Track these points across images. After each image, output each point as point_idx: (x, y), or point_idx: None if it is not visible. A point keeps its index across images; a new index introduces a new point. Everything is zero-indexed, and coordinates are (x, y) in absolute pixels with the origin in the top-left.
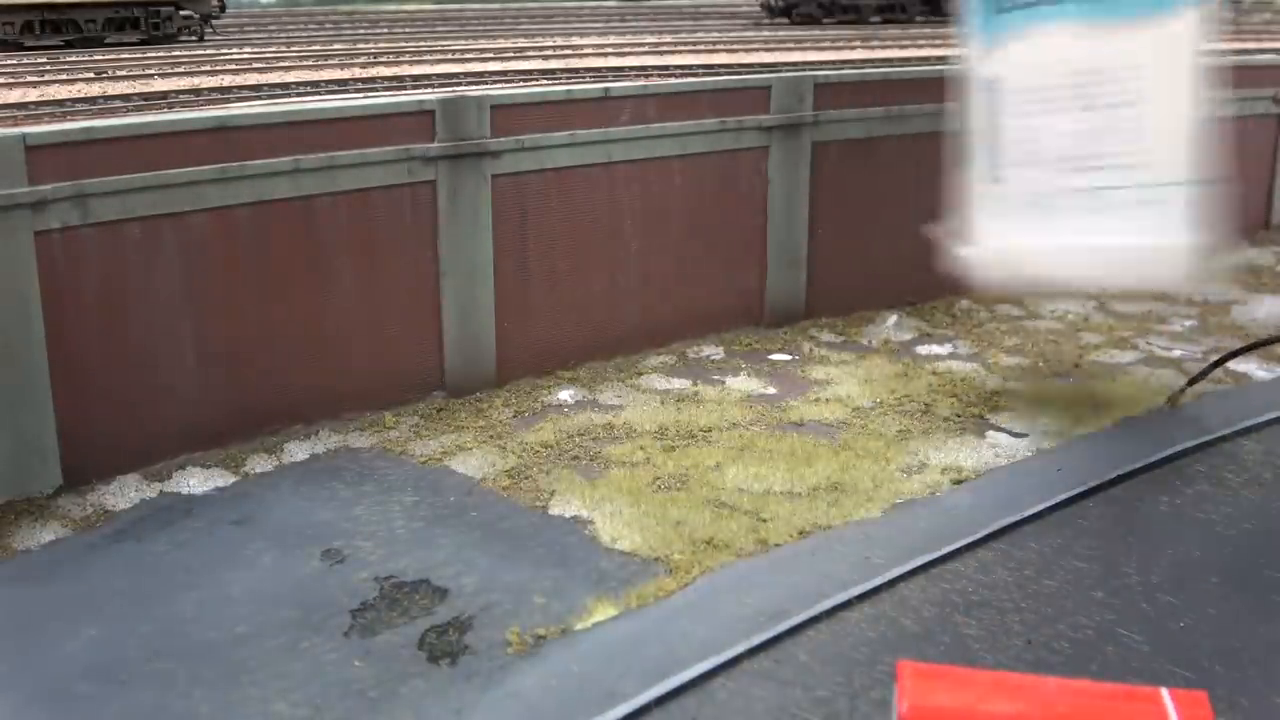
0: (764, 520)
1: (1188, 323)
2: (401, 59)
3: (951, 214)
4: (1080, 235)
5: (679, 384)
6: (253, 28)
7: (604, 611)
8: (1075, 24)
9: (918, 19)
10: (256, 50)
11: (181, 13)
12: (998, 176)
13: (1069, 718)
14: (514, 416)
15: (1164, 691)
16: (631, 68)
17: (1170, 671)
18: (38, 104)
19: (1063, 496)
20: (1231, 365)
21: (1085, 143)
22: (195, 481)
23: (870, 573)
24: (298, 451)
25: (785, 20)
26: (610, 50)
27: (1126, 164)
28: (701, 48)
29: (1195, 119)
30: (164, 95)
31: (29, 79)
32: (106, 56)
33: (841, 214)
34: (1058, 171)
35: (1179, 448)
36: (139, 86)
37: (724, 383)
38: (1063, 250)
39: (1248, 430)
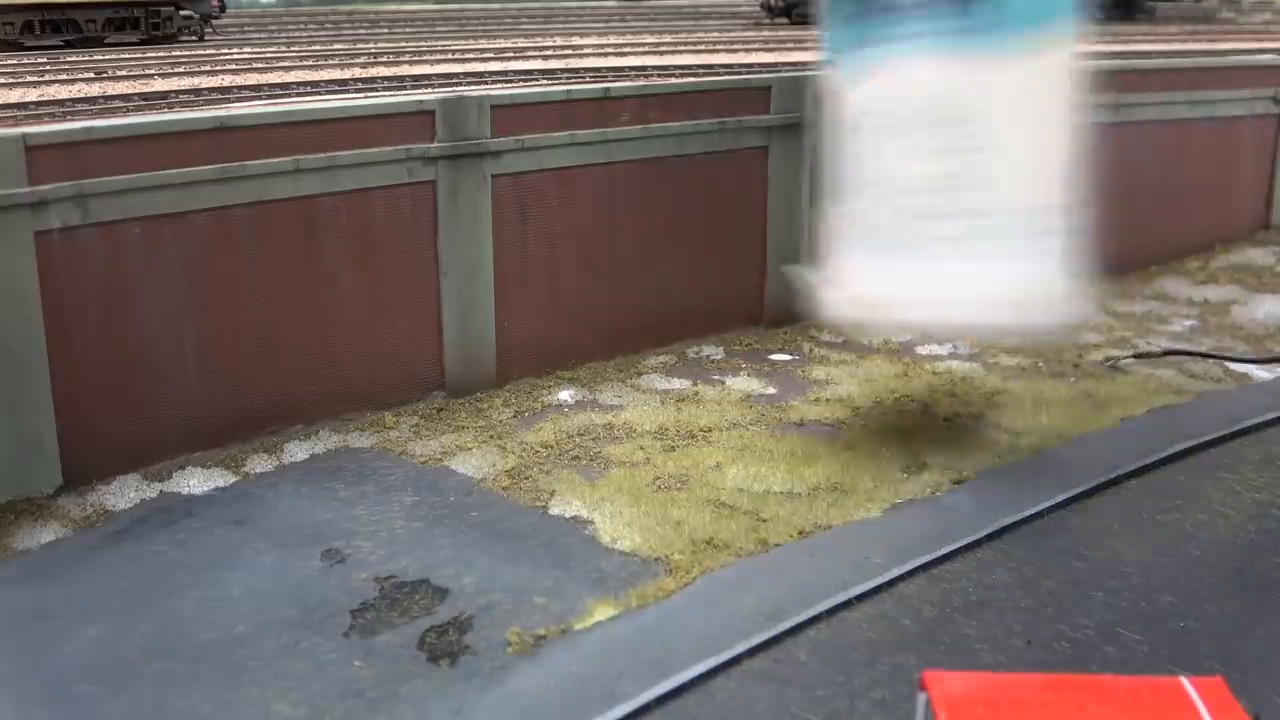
0: (764, 520)
1: (1188, 323)
2: (401, 59)
3: (810, 252)
4: (946, 278)
5: (679, 384)
6: (253, 28)
7: (604, 611)
8: (939, 56)
9: None
10: (256, 50)
11: (181, 13)
12: (858, 212)
13: (1102, 715)
14: (514, 416)
15: (1184, 680)
16: (631, 68)
17: (1171, 671)
18: (38, 104)
19: (1063, 496)
20: (1232, 366)
21: (952, 180)
22: (195, 481)
23: (870, 573)
24: (298, 451)
25: (785, 20)
26: (610, 50)
27: (996, 202)
28: (701, 48)
29: (1069, 153)
30: (164, 95)
31: (29, 79)
32: (106, 56)
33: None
34: (922, 210)
35: (1179, 447)
36: (139, 86)
37: (724, 383)
38: (927, 295)
39: (1248, 430)
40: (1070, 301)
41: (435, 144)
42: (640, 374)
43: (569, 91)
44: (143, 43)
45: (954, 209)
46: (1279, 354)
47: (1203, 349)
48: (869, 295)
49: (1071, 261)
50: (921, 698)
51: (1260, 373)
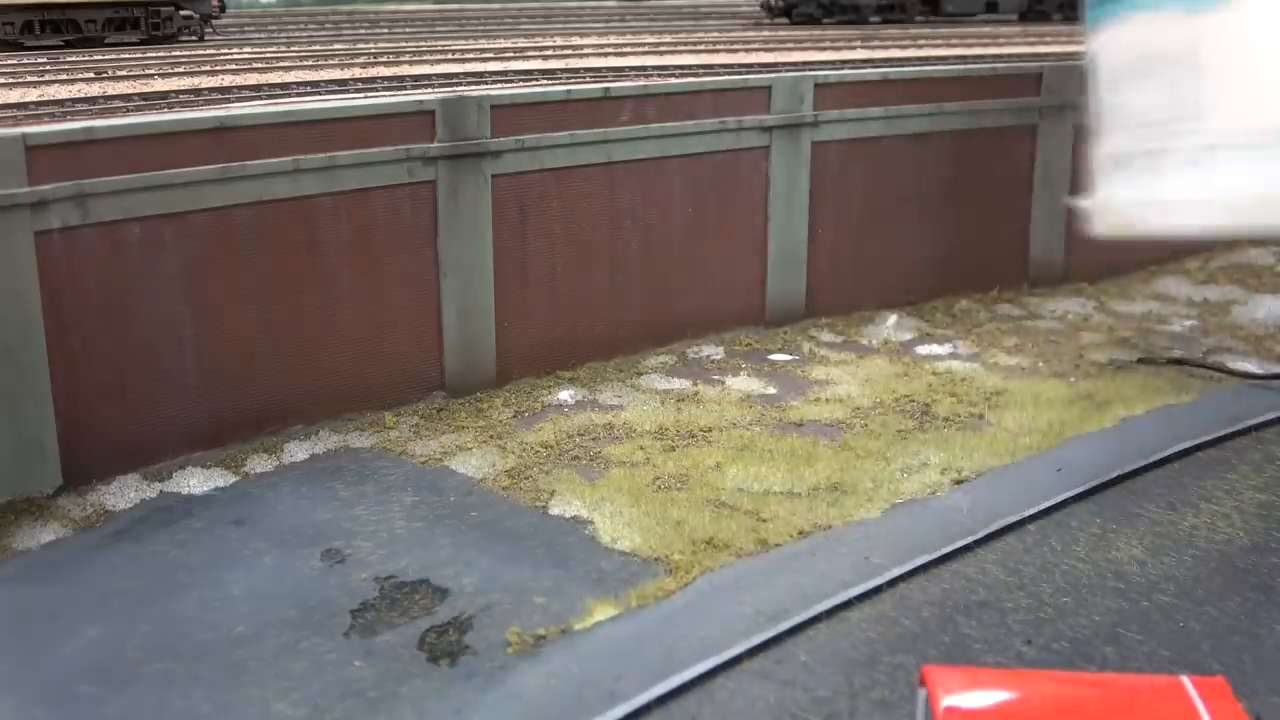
0: (764, 520)
1: (1188, 323)
2: (401, 59)
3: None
4: (1194, 189)
5: (679, 384)
6: (253, 28)
7: (604, 611)
8: (1173, 10)
9: (917, 19)
10: (256, 50)
11: (181, 13)
12: (1112, 147)
13: (1102, 712)
14: (514, 416)
15: (1185, 679)
16: (631, 68)
17: (1171, 671)
18: (38, 104)
19: (1063, 496)
20: (1232, 364)
21: (1192, 106)
22: (195, 481)
23: (870, 573)
24: (298, 451)
25: (785, 20)
26: (610, 50)
27: (1234, 121)
28: (701, 48)
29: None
30: (164, 95)
31: (29, 79)
32: (106, 56)
33: (841, 214)
34: (1169, 132)
35: (1179, 447)
36: (139, 86)
37: (724, 383)
38: (1180, 202)
39: (1248, 430)
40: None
41: (435, 144)
42: (640, 374)
43: (569, 91)
44: (143, 43)
45: (1188, 130)
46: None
47: (1209, 361)
48: (1127, 212)
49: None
50: (921, 693)
51: (1259, 372)
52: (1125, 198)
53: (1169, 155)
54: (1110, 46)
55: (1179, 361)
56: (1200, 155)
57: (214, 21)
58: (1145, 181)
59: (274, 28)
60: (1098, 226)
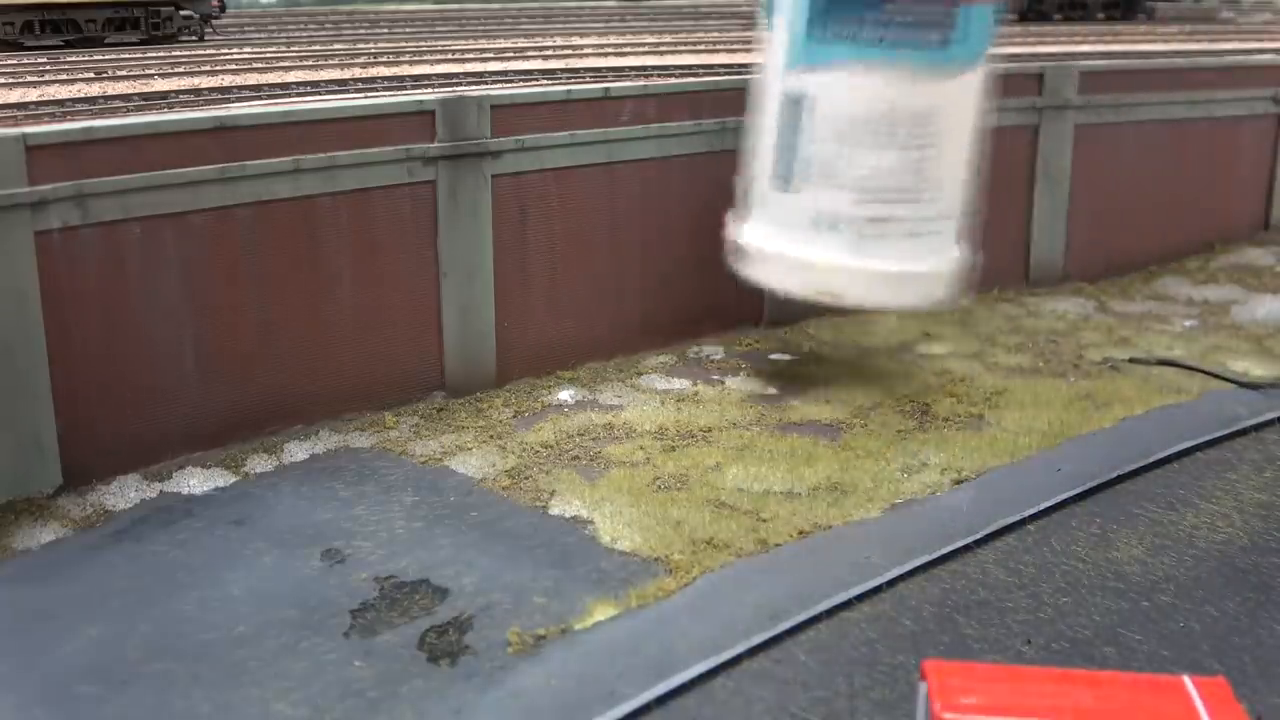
0: (764, 520)
1: (1188, 323)
2: (401, 59)
3: (735, 208)
4: (857, 258)
5: (679, 384)
6: (253, 28)
7: (604, 611)
8: (889, 69)
9: None
10: (256, 50)
11: (181, 13)
12: (790, 187)
13: (1101, 710)
14: (514, 416)
15: (1186, 679)
16: (631, 68)
17: (1171, 671)
18: (38, 104)
19: (1063, 496)
20: (1234, 365)
21: (888, 177)
22: (195, 481)
23: (870, 573)
24: (298, 451)
25: None
26: (610, 50)
27: (918, 198)
28: (701, 48)
29: (972, 159)
30: (164, 95)
31: (29, 79)
32: (106, 56)
33: None
34: (857, 199)
35: (1179, 447)
36: (139, 86)
37: (724, 383)
38: (838, 268)
39: (1248, 430)
40: (960, 280)
41: (435, 144)
42: (640, 374)
43: (569, 91)
44: (143, 43)
45: (894, 196)
46: (1270, 380)
47: (1196, 364)
48: (785, 261)
49: (968, 247)
50: (922, 687)
51: (1258, 371)
52: (833, 263)
53: (892, 224)
54: (836, 90)
55: (1168, 364)
56: (922, 229)
57: (214, 21)
58: (862, 248)
59: (274, 28)
60: (780, 280)
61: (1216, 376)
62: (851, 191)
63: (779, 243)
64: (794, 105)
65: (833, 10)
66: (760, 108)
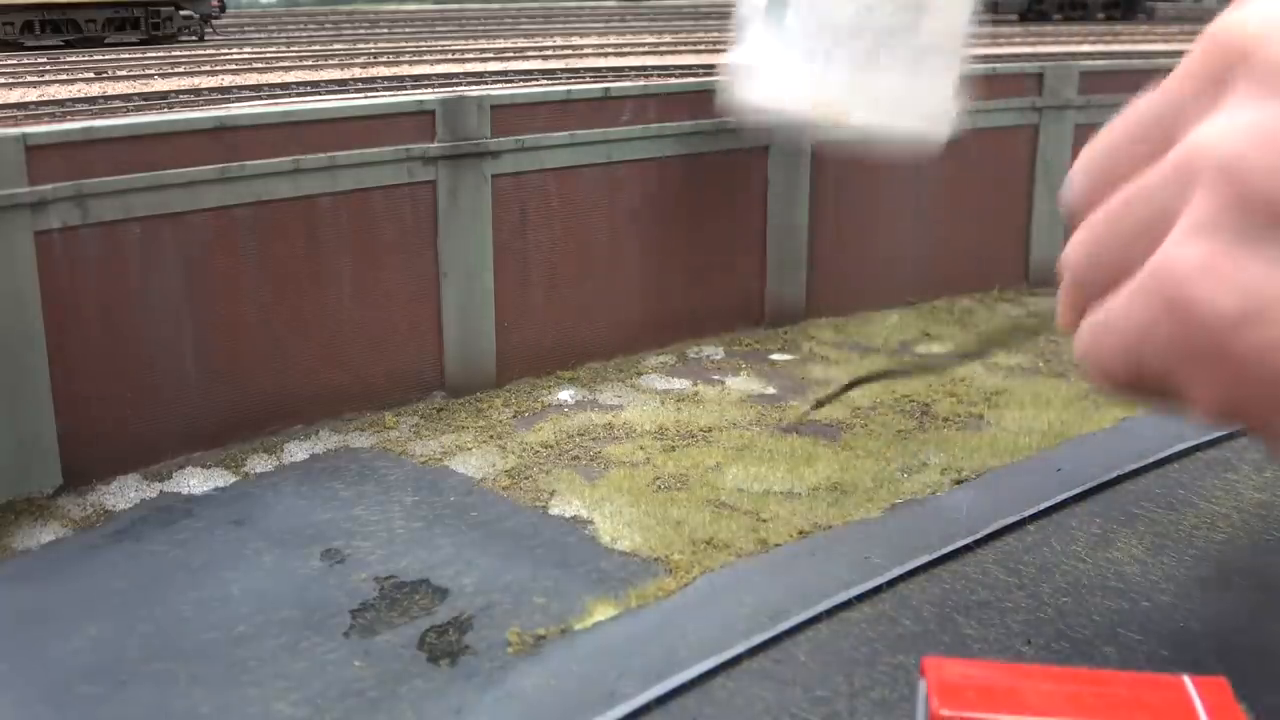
0: (764, 520)
1: None
2: (401, 59)
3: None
4: (861, 74)
5: (679, 384)
6: (253, 28)
7: (604, 611)
8: None
9: None
10: (256, 50)
11: (181, 13)
12: (785, 20)
13: (1099, 708)
14: (514, 416)
15: (1186, 679)
16: (631, 68)
17: (1171, 670)
18: (38, 104)
19: (1063, 496)
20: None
21: (875, 11)
22: (195, 481)
23: (870, 573)
24: (298, 451)
25: None
26: (610, 50)
27: (919, 20)
28: (701, 48)
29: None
30: (164, 95)
31: (29, 79)
32: (106, 56)
33: (842, 214)
34: (861, 12)
35: (1179, 447)
36: (139, 86)
37: (724, 383)
38: (841, 84)
39: (1247, 430)
40: (954, 115)
41: (435, 144)
42: (640, 374)
43: (569, 91)
44: (143, 43)
45: (886, 25)
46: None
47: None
48: (781, 77)
49: (959, 83)
50: (922, 684)
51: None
52: (837, 78)
53: (895, 46)
54: None
55: (856, 384)
56: (923, 55)
57: (214, 21)
58: (865, 66)
59: (274, 28)
60: (782, 98)
61: (895, 375)
62: (854, 5)
63: (781, 61)
64: None
65: None
66: None
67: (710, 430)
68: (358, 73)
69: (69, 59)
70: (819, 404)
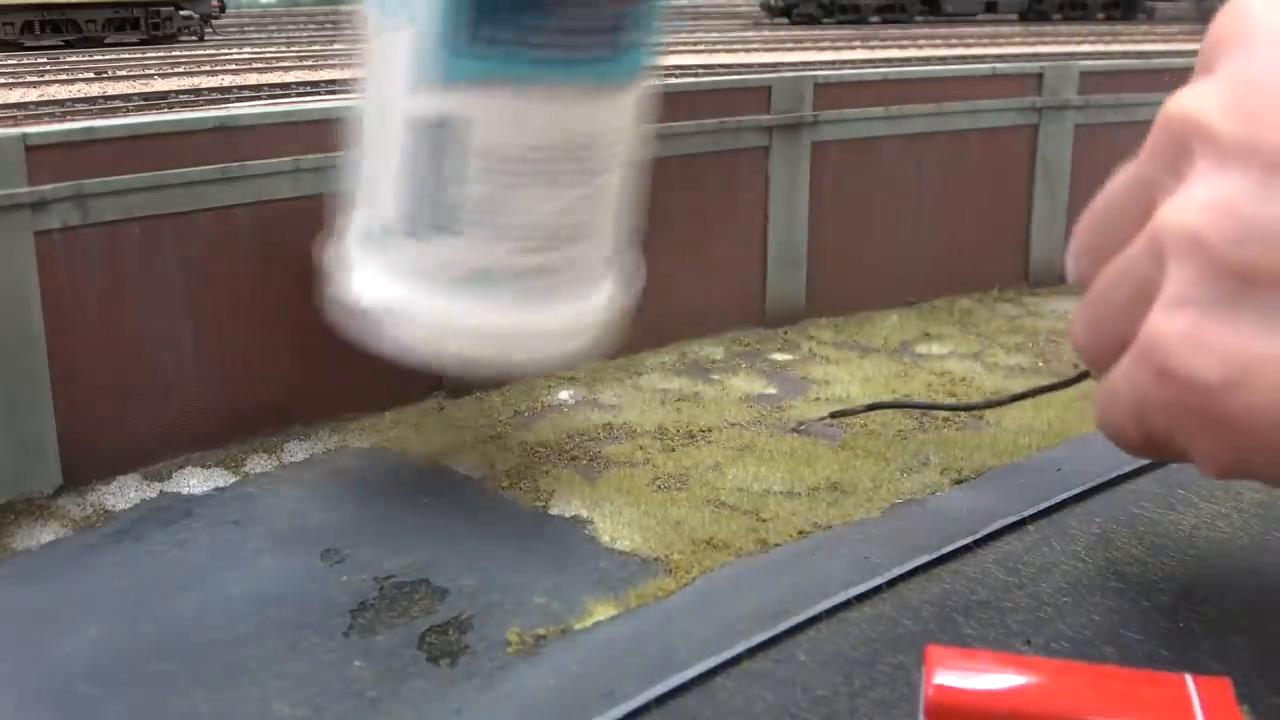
0: (764, 520)
1: None
2: None
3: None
4: (522, 313)
5: (679, 384)
6: (253, 28)
7: (604, 611)
8: (550, 86)
9: (917, 19)
10: (256, 50)
11: (181, 13)
12: (425, 233)
13: (1092, 701)
14: (514, 416)
15: (1188, 677)
16: None
17: (1171, 670)
18: (38, 104)
19: (1063, 496)
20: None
21: (560, 216)
22: (195, 481)
23: (870, 573)
24: (298, 451)
25: (785, 20)
26: None
27: (591, 237)
28: (701, 48)
29: (631, 186)
30: (164, 95)
31: (29, 79)
32: (106, 56)
33: (842, 214)
34: (525, 246)
35: None
36: (139, 86)
37: (724, 383)
38: (497, 326)
39: None
40: (618, 324)
41: None
42: (640, 374)
43: None
44: (143, 43)
45: (570, 236)
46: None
47: (916, 401)
48: (460, 329)
49: (625, 287)
50: (924, 670)
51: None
52: (492, 321)
53: (525, 275)
54: (497, 116)
55: (878, 406)
56: (592, 273)
57: (214, 21)
58: (526, 301)
59: (274, 28)
60: (417, 343)
61: (938, 408)
62: (515, 239)
63: (414, 299)
64: (433, 133)
65: (485, 13)
66: (368, 132)
67: (710, 430)
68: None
69: (69, 59)
70: (835, 415)
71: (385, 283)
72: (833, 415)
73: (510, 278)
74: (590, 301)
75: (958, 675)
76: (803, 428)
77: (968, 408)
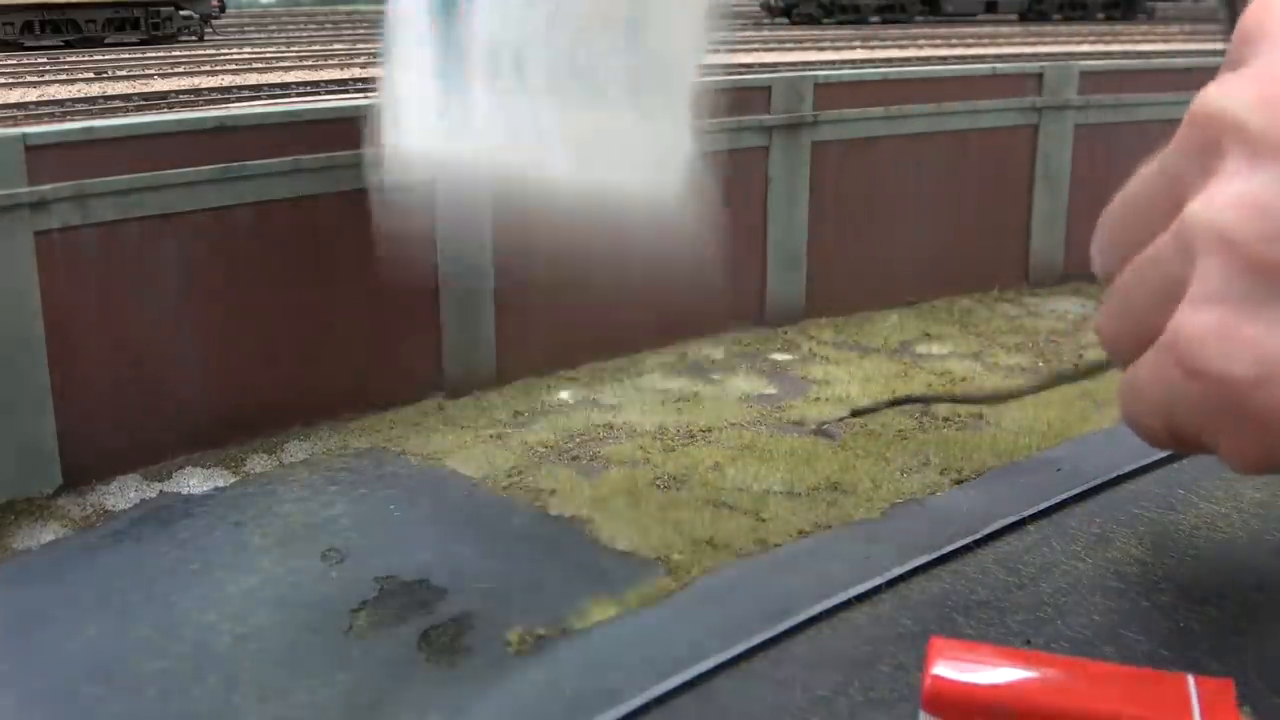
0: (764, 520)
1: None
2: None
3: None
4: (549, 115)
5: (679, 384)
6: (253, 28)
7: (604, 611)
8: None
9: (917, 19)
10: (256, 50)
11: (181, 13)
12: (450, 36)
13: (1090, 696)
14: (514, 416)
15: (1189, 678)
16: None
17: (1171, 670)
18: (38, 104)
19: (1063, 496)
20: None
21: (574, 24)
22: (195, 481)
23: (870, 573)
24: (298, 451)
25: (785, 20)
26: None
27: (648, 49)
28: None
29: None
30: (164, 95)
31: (29, 79)
32: (106, 56)
33: (842, 214)
34: (538, 51)
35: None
36: (139, 86)
37: (724, 383)
38: (522, 126)
39: None
40: (691, 165)
41: None
42: (640, 374)
43: None
44: (143, 43)
45: (608, 50)
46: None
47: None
48: (471, 140)
49: (696, 125)
50: (925, 663)
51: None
52: (481, 143)
53: (560, 110)
54: None
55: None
56: (617, 87)
57: (214, 21)
58: (513, 131)
59: (274, 28)
60: (407, 170)
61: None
62: (546, 14)
63: (445, 95)
64: None
65: None
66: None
67: (710, 430)
68: (358, 73)
69: (69, 59)
70: (856, 414)
71: (411, 83)
72: (853, 413)
73: (525, 71)
74: (639, 127)
75: (957, 667)
76: (825, 427)
77: (989, 399)
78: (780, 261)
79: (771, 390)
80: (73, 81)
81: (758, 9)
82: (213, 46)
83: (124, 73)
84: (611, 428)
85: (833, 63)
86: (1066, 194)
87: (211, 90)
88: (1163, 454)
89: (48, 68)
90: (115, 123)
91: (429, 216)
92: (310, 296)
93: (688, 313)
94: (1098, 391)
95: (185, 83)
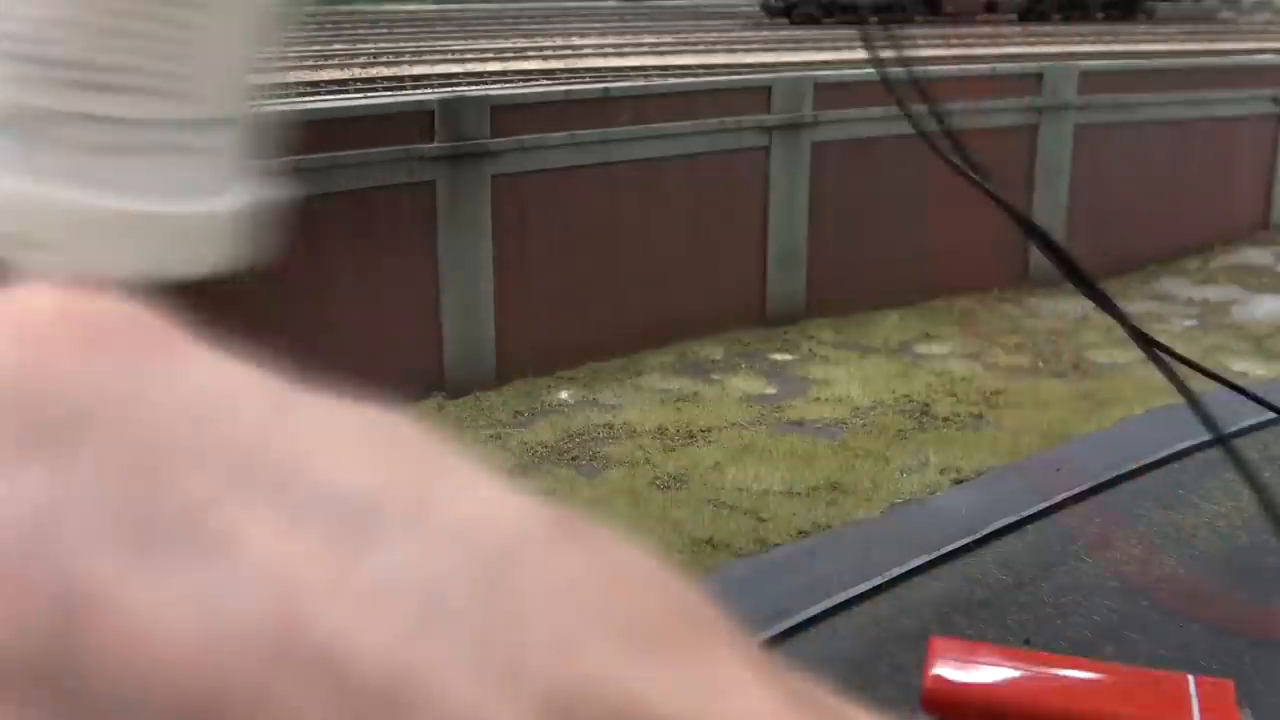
0: (763, 520)
1: (1188, 323)
2: (401, 59)
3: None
4: (84, 186)
5: (679, 384)
6: None
7: None
8: None
9: (916, 19)
10: None
11: None
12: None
13: (1087, 697)
14: (514, 416)
15: (1190, 678)
16: (631, 68)
17: (1171, 670)
18: None
19: (1063, 496)
20: (1233, 365)
21: (100, 43)
22: None
23: (870, 572)
24: None
25: (785, 20)
26: (610, 50)
27: (159, 88)
28: (701, 48)
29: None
30: None
31: None
32: None
33: (841, 214)
34: (56, 82)
35: (1179, 447)
36: None
37: (724, 383)
38: (49, 204)
39: (1248, 429)
40: (241, 225)
41: (435, 144)
42: (640, 374)
43: (569, 91)
44: None
45: (119, 79)
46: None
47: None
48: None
49: (256, 186)
50: (924, 662)
51: (1260, 370)
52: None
53: (69, 126)
54: None
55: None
56: (113, 138)
57: None
58: (24, 159)
59: None
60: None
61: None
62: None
63: None
64: None
65: None
66: None
67: (710, 430)
68: (358, 73)
69: None
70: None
71: None
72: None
73: (46, 129)
74: (183, 187)
75: (956, 666)
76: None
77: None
78: (780, 261)
79: (771, 390)
80: None
81: (758, 9)
82: None
83: None
84: (611, 428)
85: (833, 63)
86: (1066, 194)
87: None
88: (1163, 454)
89: None
90: None
91: None
92: (310, 297)
93: (688, 313)
94: (1097, 392)
95: None
